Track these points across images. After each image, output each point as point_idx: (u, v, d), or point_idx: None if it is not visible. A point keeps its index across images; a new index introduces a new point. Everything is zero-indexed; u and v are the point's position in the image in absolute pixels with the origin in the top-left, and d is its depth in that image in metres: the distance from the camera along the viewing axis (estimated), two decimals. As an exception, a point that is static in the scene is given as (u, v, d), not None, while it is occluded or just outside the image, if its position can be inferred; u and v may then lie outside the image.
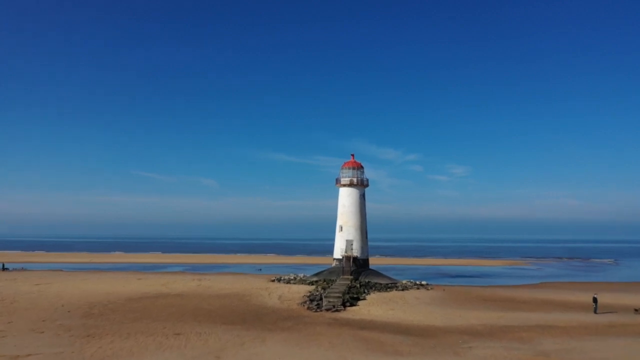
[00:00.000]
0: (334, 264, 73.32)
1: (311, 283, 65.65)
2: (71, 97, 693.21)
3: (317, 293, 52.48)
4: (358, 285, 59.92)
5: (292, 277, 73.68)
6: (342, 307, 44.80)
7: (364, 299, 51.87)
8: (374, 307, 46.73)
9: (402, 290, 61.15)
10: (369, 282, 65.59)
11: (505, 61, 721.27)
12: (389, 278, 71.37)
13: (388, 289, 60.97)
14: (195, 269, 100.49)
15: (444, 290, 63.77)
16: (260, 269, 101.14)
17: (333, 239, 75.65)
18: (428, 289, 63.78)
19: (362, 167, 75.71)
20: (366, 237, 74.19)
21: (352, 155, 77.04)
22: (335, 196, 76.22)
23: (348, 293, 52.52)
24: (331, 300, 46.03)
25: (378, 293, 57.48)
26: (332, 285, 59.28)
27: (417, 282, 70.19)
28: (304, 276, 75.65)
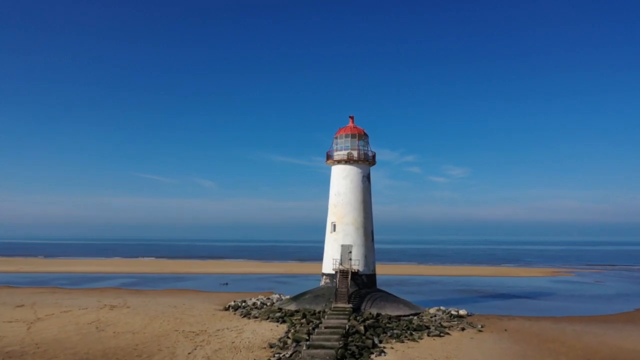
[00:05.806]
0: (323, 281, 47.30)
1: (281, 318, 39.40)
2: (69, 96, 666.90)
3: (283, 356, 26.01)
4: (362, 329, 33.37)
5: (257, 304, 47.76)
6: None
7: (377, 367, 25.36)
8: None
9: (439, 334, 34.84)
10: (379, 316, 39.59)
11: (504, 62, 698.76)
12: (407, 304, 45.31)
13: (414, 332, 34.71)
14: (138, 283, 74.33)
15: (505, 331, 37.71)
16: (227, 283, 75.03)
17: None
18: (480, 330, 37.63)
19: (365, 134, 49.59)
20: (372, 241, 48.11)
21: (351, 117, 50.95)
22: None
23: (345, 357, 26.15)
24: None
25: (399, 345, 31.14)
26: (314, 329, 33.24)
27: (454, 312, 44.29)
28: (277, 299, 49.98)
